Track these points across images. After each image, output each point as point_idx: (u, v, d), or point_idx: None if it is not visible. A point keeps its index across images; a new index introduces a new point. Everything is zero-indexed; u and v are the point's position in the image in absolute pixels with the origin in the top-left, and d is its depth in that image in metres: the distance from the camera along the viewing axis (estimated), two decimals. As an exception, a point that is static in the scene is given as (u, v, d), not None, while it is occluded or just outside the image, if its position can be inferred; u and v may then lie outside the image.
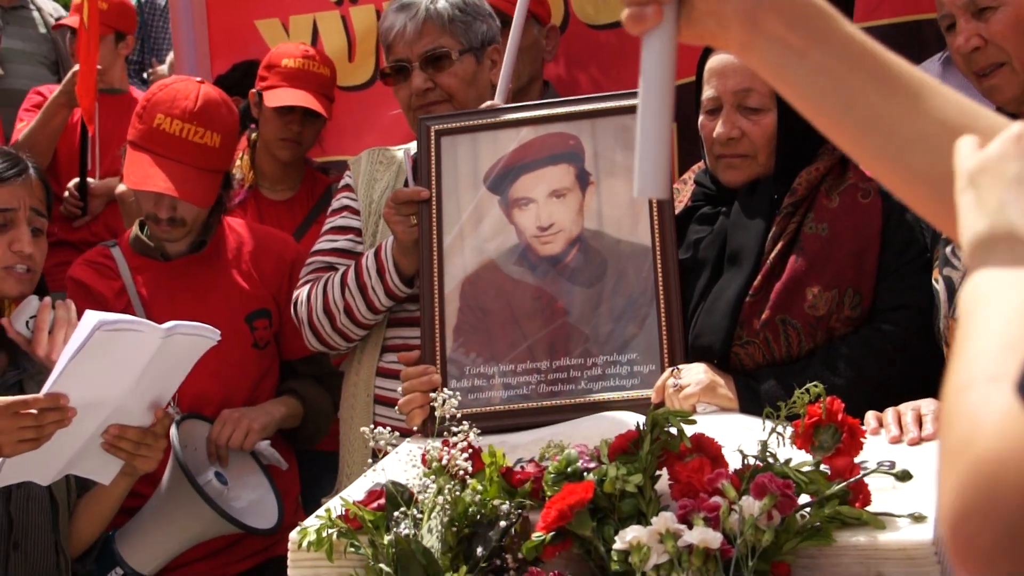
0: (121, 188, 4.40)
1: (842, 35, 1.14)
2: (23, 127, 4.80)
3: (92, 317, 2.22)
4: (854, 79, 1.13)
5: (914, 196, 1.15)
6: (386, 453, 2.05)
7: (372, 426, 1.95)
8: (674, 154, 3.64)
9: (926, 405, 2.13)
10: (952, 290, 2.26)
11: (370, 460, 2.54)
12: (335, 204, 3.10)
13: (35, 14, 6.04)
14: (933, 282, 2.32)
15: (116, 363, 2.31)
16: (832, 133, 1.16)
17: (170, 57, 5.49)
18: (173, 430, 2.69)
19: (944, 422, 0.87)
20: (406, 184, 2.87)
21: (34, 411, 2.27)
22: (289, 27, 4.26)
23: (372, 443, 1.92)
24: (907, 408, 2.14)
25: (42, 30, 5.97)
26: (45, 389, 2.29)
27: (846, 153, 1.18)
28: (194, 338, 2.43)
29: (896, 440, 2.07)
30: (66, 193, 4.79)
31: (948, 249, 2.29)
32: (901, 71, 1.13)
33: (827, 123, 1.16)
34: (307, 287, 2.94)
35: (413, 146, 2.89)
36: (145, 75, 6.58)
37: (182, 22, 4.31)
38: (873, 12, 3.50)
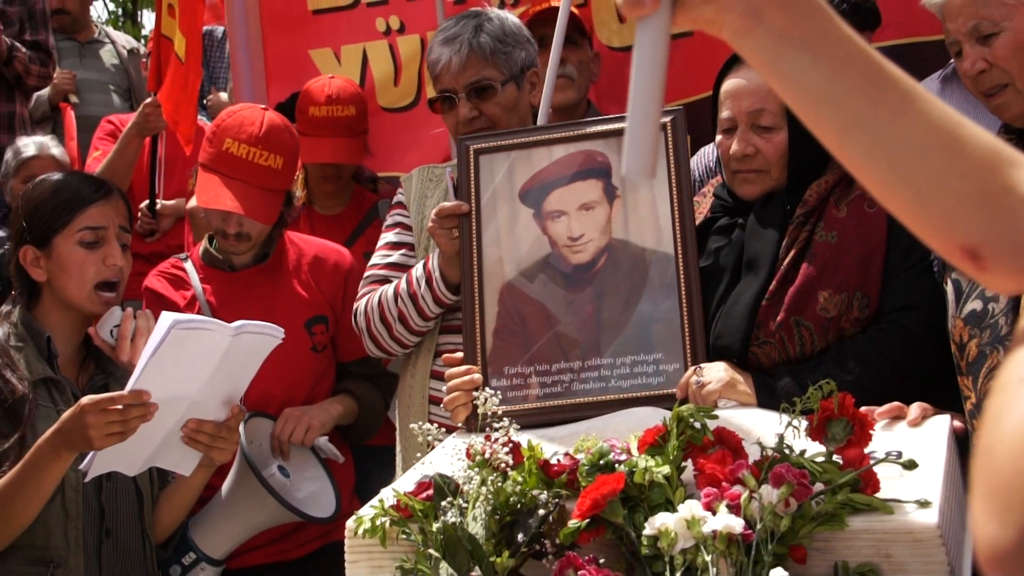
0: (192, 204, 4.46)
1: (839, 33, 1.08)
2: (99, 156, 4.85)
3: (167, 318, 2.25)
4: (847, 77, 1.06)
5: (895, 199, 1.09)
6: (433, 447, 2.07)
7: (419, 424, 1.97)
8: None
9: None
10: (960, 291, 2.25)
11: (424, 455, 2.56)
12: (389, 220, 3.11)
13: (109, 46, 6.11)
14: (943, 284, 2.31)
15: (191, 360, 2.34)
16: (819, 129, 1.10)
17: (230, 85, 5.54)
18: (240, 427, 2.72)
19: (981, 424, 0.82)
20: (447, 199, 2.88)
21: (120, 406, 2.31)
22: (341, 56, 4.28)
23: (420, 439, 1.94)
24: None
25: (116, 60, 6.04)
26: (129, 387, 2.32)
27: (829, 150, 1.11)
28: (261, 336, 2.45)
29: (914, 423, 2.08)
30: (139, 214, 4.85)
31: None
32: (892, 74, 1.07)
33: (815, 119, 1.09)
34: (364, 299, 2.96)
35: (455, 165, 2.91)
36: (204, 102, 6.64)
37: (240, 52, 4.33)
38: (879, 34, 3.52)
